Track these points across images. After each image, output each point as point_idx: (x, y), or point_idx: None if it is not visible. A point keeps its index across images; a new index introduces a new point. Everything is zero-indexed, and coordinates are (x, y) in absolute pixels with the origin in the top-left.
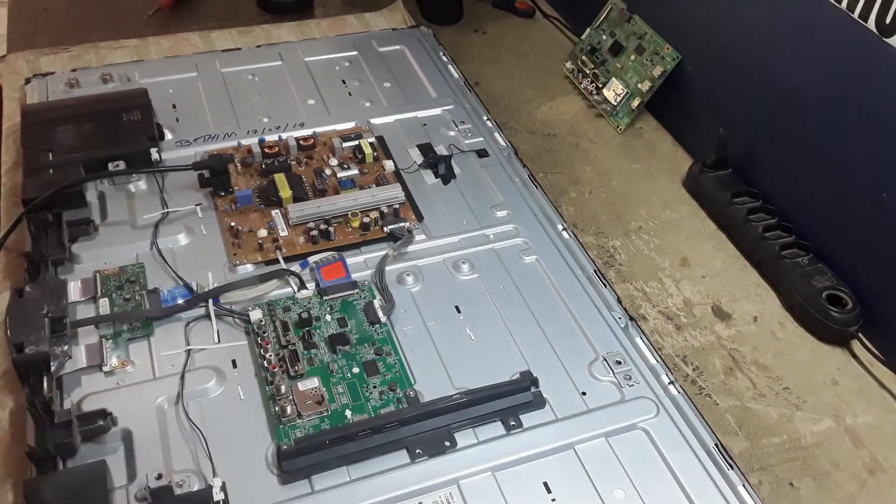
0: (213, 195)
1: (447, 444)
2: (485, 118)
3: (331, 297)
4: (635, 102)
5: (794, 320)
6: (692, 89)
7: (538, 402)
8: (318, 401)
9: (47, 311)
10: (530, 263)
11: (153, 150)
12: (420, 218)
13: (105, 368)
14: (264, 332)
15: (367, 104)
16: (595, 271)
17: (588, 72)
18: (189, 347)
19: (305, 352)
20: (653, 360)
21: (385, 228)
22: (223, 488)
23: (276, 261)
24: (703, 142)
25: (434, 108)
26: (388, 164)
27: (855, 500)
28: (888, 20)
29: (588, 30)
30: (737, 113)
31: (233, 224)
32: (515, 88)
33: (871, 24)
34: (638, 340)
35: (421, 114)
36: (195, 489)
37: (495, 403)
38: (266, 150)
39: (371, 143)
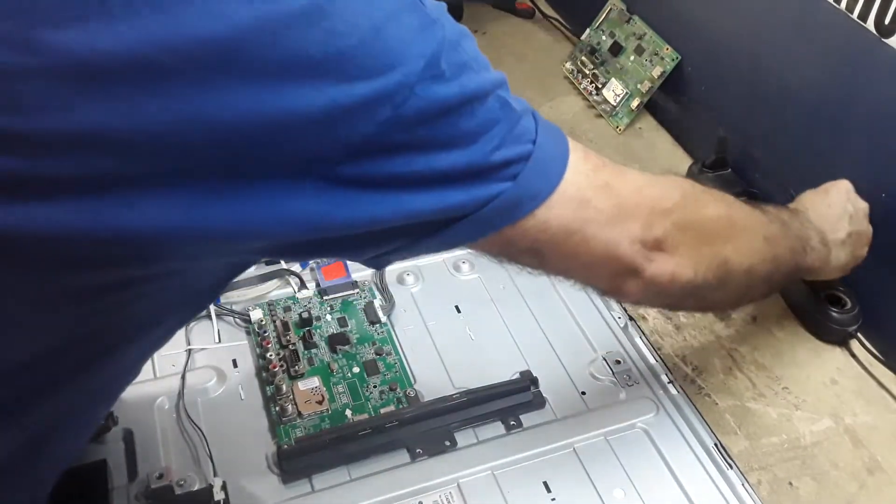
0: None
1: (447, 443)
2: None
3: (331, 296)
4: (635, 103)
5: (794, 320)
6: (692, 89)
7: (538, 402)
8: (319, 400)
9: None
10: None
11: None
12: None
13: None
14: (265, 332)
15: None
16: None
17: (588, 72)
18: (189, 347)
19: (306, 351)
20: (652, 360)
21: None
22: (223, 488)
23: (276, 260)
24: (703, 142)
25: None
26: None
27: (854, 499)
28: (887, 21)
29: (588, 30)
30: (736, 113)
31: None
32: (515, 89)
33: (870, 24)
34: (637, 340)
35: None
36: (195, 489)
37: (495, 403)
38: None
39: None
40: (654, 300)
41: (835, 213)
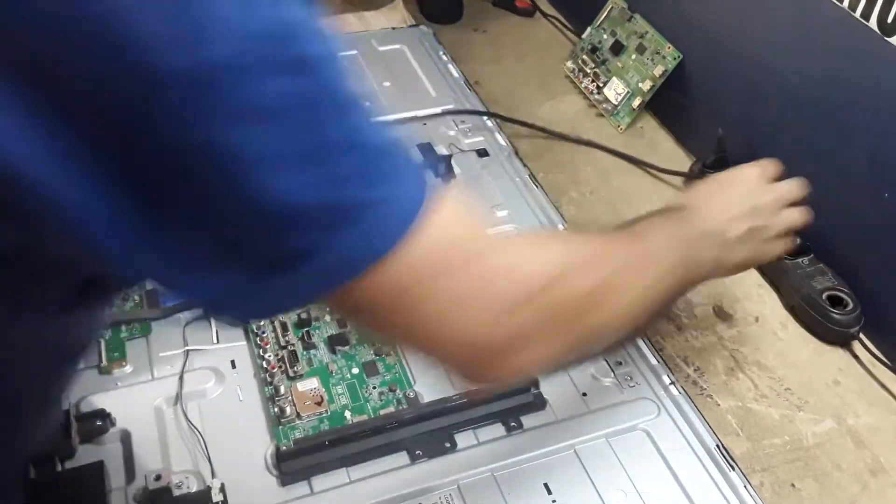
0: None
1: (447, 445)
2: (485, 118)
3: None
4: (636, 102)
5: (796, 321)
6: (693, 89)
7: (538, 403)
8: (318, 401)
9: None
10: None
11: None
12: None
13: (103, 368)
14: (263, 333)
15: (366, 104)
16: None
17: (589, 71)
18: (187, 348)
19: (305, 352)
20: (654, 361)
21: None
22: (222, 489)
23: None
24: (704, 141)
25: (434, 107)
26: None
27: (857, 501)
28: (890, 19)
29: (589, 29)
30: (737, 112)
31: None
32: (516, 88)
33: (872, 23)
34: (639, 341)
35: (421, 113)
36: (194, 490)
37: (495, 404)
38: None
39: None
40: (512, 384)
41: (732, 209)
